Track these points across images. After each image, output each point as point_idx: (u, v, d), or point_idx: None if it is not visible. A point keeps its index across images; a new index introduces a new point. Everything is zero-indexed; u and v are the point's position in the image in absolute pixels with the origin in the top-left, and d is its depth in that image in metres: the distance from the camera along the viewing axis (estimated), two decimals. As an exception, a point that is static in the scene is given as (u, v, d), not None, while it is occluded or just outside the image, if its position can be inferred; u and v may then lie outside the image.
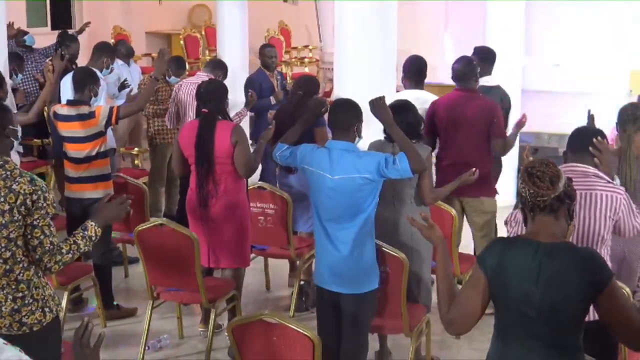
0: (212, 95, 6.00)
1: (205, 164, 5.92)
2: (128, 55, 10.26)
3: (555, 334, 3.35)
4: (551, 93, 14.10)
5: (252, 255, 6.67)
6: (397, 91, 7.12)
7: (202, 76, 8.06)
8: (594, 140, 4.71)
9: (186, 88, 8.21)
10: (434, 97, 6.99)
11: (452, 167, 6.18)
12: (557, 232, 3.42)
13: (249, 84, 8.98)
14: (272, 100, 8.90)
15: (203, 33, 15.71)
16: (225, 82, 7.19)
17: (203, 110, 5.97)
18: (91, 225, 4.13)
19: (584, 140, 4.74)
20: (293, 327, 4.25)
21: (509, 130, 6.83)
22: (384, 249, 5.23)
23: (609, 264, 4.77)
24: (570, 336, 3.37)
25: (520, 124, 6.66)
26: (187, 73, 9.87)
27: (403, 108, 5.57)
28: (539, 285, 3.32)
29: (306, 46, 15.78)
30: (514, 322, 3.41)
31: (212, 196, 5.95)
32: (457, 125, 6.61)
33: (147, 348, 6.08)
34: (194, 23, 16.67)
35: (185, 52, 14.77)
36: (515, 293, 3.37)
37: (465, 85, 6.69)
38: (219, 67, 8.39)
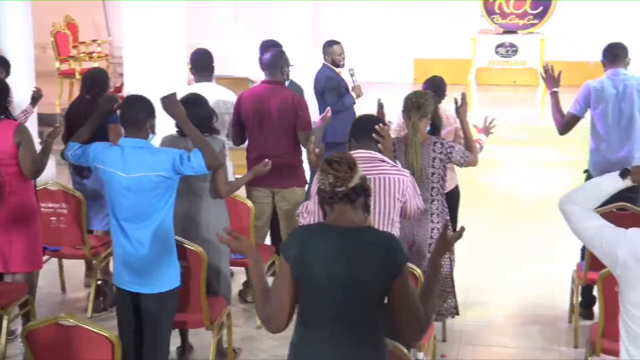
0: (-7, 94, 5.77)
1: (-13, 166, 5.68)
2: None
3: (358, 316, 3.44)
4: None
5: (45, 257, 6.48)
6: (189, 84, 7.09)
7: (-16, 74, 7.71)
8: (377, 127, 4.91)
9: (-34, 86, 7.82)
10: (225, 90, 7.00)
11: (260, 159, 6.20)
12: (356, 219, 3.51)
13: (330, 82, 8.17)
14: (354, 96, 8.33)
15: (-16, 28, 15.02)
16: (9, 79, 6.92)
17: (-17, 109, 5.72)
18: None
19: (367, 128, 4.95)
20: (90, 328, 4.17)
21: None
22: (181, 243, 5.21)
23: (402, 245, 4.99)
24: (373, 318, 3.46)
25: (325, 118, 6.80)
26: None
27: (194, 102, 5.55)
28: (342, 268, 3.40)
29: (94, 40, 15.36)
30: (318, 307, 3.47)
31: (-3, 199, 5.72)
32: (263, 118, 6.63)
33: None
34: (-26, 18, 15.92)
35: (-35, 48, 14.08)
36: (319, 278, 3.43)
37: (272, 77, 6.73)
38: (1, 64, 8.04)
